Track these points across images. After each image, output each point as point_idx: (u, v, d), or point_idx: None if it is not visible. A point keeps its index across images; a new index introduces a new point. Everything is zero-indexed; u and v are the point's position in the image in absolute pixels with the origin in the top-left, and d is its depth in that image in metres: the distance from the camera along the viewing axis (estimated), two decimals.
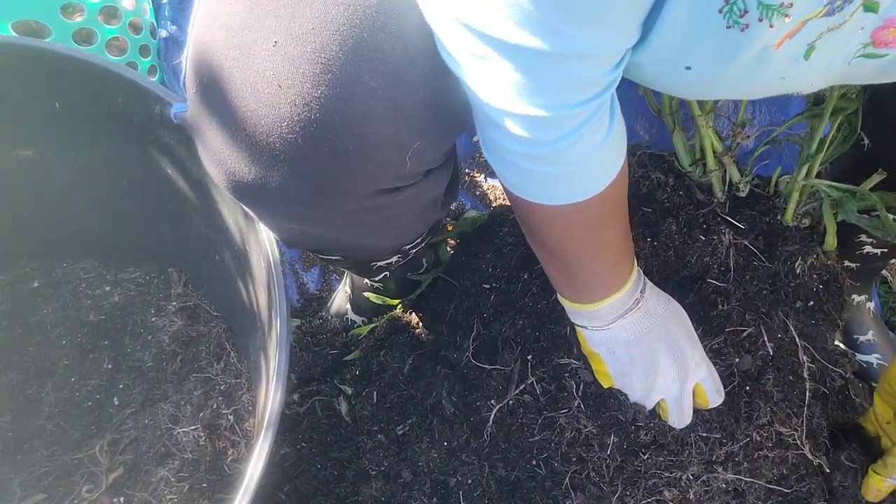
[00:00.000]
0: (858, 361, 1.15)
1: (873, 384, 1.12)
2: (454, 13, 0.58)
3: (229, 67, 0.63)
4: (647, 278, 0.88)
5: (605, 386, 0.93)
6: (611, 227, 0.78)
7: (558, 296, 0.90)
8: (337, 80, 0.61)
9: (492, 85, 0.61)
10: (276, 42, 0.61)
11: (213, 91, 0.65)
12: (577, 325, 0.90)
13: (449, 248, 1.22)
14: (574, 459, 0.94)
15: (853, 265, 1.12)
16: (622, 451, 0.93)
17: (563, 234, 0.77)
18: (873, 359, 1.14)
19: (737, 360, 0.96)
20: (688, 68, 0.61)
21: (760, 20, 0.55)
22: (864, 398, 1.07)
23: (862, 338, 1.14)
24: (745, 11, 0.54)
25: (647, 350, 0.86)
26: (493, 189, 1.40)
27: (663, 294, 0.89)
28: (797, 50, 0.59)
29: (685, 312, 0.89)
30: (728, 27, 0.56)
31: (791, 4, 0.53)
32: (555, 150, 0.65)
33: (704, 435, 0.92)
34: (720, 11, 0.55)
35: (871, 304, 1.19)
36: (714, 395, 0.89)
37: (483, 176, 1.42)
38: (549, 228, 0.77)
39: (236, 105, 0.63)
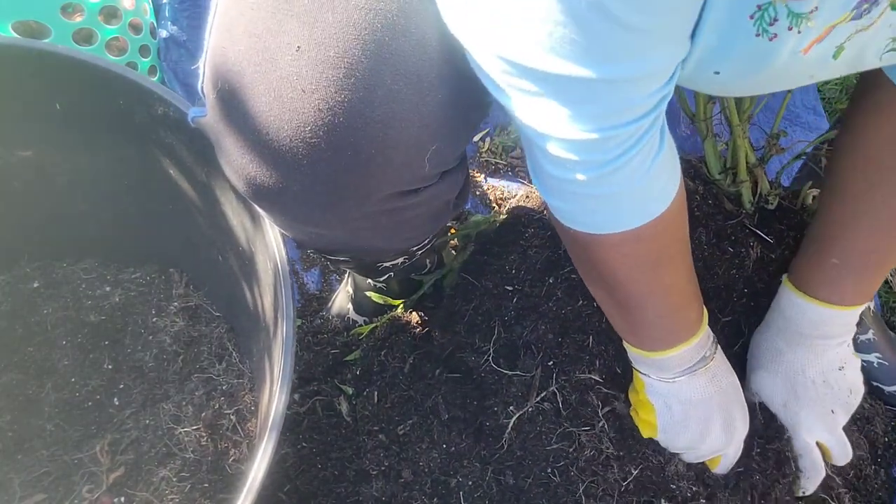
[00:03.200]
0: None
1: (873, 383, 1.12)
2: (495, 51, 0.58)
3: (251, 72, 0.63)
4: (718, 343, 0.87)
5: (645, 436, 0.91)
6: (670, 264, 0.75)
7: (623, 342, 0.88)
8: (360, 84, 0.61)
9: (542, 115, 0.60)
10: (299, 47, 0.61)
11: (235, 96, 0.65)
12: (640, 372, 0.88)
13: (452, 251, 1.22)
14: (588, 473, 0.93)
15: None
16: (640, 484, 0.92)
17: (619, 268, 0.74)
18: (873, 358, 1.14)
19: None
20: (716, 73, 0.62)
21: (790, 29, 0.55)
22: (864, 398, 1.07)
23: (862, 337, 1.14)
24: (776, 20, 0.55)
25: (704, 415, 0.85)
26: (493, 189, 1.40)
27: (727, 362, 0.88)
28: (826, 52, 0.59)
29: (741, 386, 0.89)
30: (757, 35, 0.56)
31: (816, 8, 0.54)
32: (606, 172, 0.63)
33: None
34: (751, 17, 0.55)
35: (871, 304, 1.19)
36: (725, 467, 0.91)
37: (483, 176, 1.42)
38: (605, 262, 0.75)
39: (258, 110, 0.64)
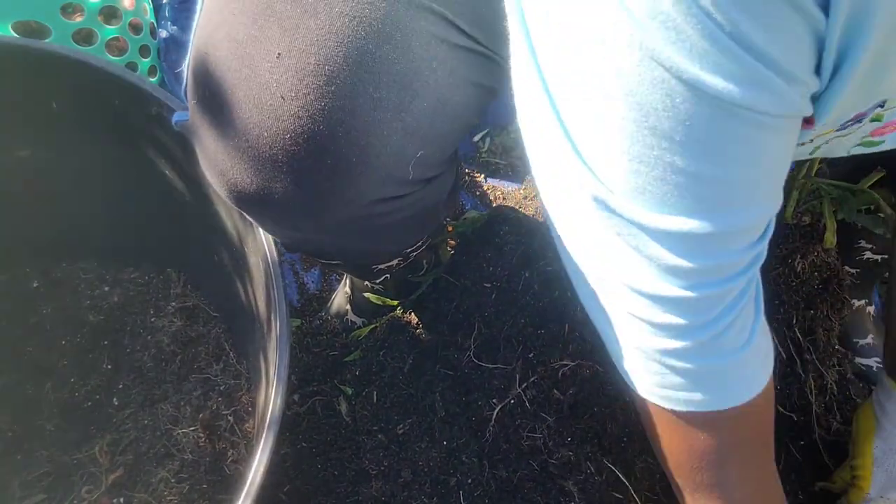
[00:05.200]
0: (858, 364, 1.15)
1: (872, 387, 1.12)
2: (593, 191, 0.52)
3: (232, 79, 0.63)
4: None
5: None
6: (750, 463, 0.66)
7: None
8: (341, 91, 0.60)
9: (631, 268, 0.55)
10: (279, 54, 0.60)
11: (216, 102, 0.64)
12: None
13: (449, 249, 1.22)
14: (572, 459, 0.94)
15: (853, 271, 1.11)
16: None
17: (693, 455, 0.65)
18: (873, 362, 1.13)
19: None
20: None
21: None
22: (865, 399, 1.07)
23: (862, 341, 1.13)
24: None
25: None
26: (493, 189, 1.40)
27: None
28: (804, 151, 0.60)
29: None
30: None
31: (811, 140, 0.55)
32: (703, 339, 0.57)
33: None
34: None
35: (871, 308, 1.18)
36: None
37: (483, 176, 1.41)
38: (681, 448, 0.66)
39: (239, 116, 0.63)
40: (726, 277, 0.55)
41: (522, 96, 0.55)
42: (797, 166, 0.99)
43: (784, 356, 0.99)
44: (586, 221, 0.55)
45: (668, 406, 0.62)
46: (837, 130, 0.55)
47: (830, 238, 1.01)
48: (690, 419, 0.63)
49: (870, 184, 0.96)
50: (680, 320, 0.56)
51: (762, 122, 0.46)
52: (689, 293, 0.54)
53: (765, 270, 0.99)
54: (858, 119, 0.54)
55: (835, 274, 1.03)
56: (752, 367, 0.62)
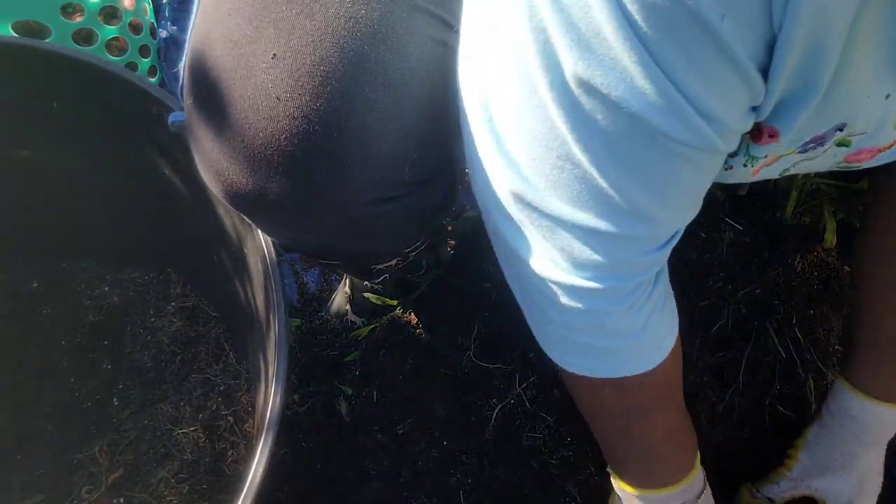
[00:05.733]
0: None
1: None
2: (510, 187, 0.58)
3: (227, 79, 0.62)
4: (708, 488, 0.82)
5: None
6: (655, 415, 0.74)
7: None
8: (336, 92, 0.60)
9: (543, 255, 0.60)
10: (274, 54, 0.60)
11: (211, 102, 0.64)
12: (618, 493, 0.85)
13: (449, 249, 1.22)
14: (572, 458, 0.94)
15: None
16: None
17: (604, 410, 0.75)
18: None
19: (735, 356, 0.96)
20: None
21: (745, 166, 0.58)
22: None
23: None
24: (735, 155, 0.57)
25: None
26: None
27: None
28: (772, 172, 0.62)
29: None
30: None
31: (767, 155, 0.56)
32: (602, 323, 0.63)
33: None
34: None
35: None
36: None
37: None
38: (591, 403, 0.75)
39: (234, 117, 0.63)
40: (636, 272, 0.60)
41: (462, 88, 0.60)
42: None
43: (784, 356, 0.99)
44: (508, 212, 0.60)
45: (576, 371, 0.69)
46: (800, 152, 0.57)
47: (830, 238, 1.01)
48: (600, 382, 0.70)
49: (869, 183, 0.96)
50: (579, 305, 0.61)
51: (676, 149, 0.50)
52: (594, 284, 0.59)
53: (765, 270, 1.00)
54: (820, 142, 0.55)
55: (835, 274, 1.03)
56: (647, 344, 0.68)
